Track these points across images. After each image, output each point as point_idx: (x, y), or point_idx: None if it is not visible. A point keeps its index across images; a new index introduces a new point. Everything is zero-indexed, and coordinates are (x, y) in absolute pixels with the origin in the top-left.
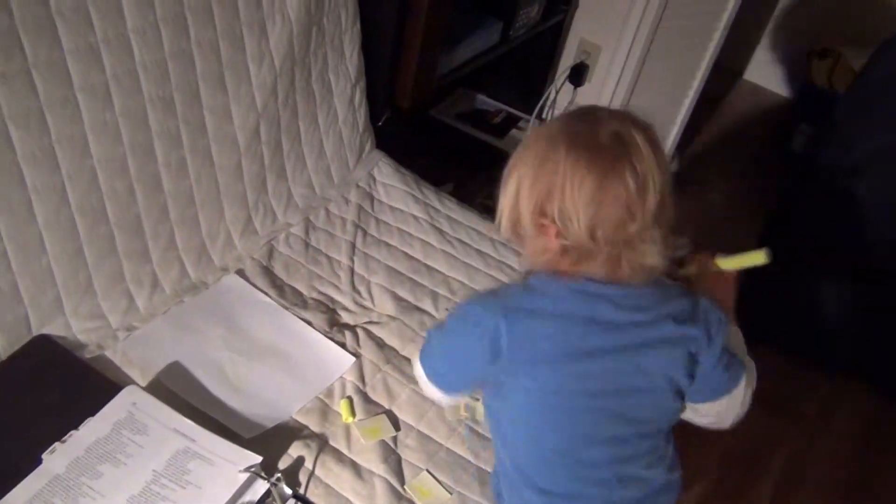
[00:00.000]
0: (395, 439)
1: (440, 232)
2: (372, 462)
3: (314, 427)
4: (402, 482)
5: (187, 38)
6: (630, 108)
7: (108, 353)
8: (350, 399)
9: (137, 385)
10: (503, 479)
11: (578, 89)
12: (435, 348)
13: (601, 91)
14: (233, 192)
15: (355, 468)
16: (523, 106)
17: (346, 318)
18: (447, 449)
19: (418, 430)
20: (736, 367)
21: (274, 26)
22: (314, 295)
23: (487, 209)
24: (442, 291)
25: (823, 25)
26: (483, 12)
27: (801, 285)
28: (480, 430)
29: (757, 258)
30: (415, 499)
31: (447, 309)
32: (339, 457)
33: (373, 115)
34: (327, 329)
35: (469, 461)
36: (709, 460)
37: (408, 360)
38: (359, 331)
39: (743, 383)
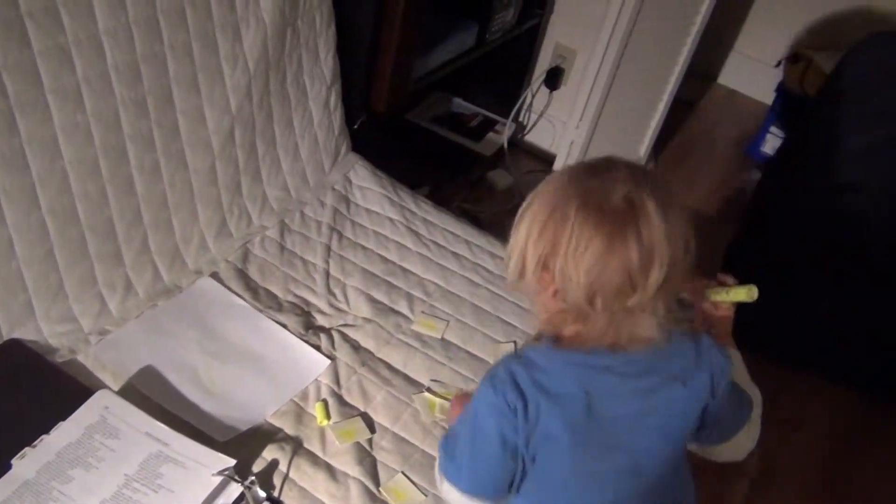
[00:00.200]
0: (370, 441)
1: (416, 234)
2: (347, 464)
3: (289, 430)
4: (378, 484)
5: (160, 40)
6: (648, 168)
7: (81, 358)
8: (325, 402)
9: (110, 389)
10: None
11: (554, 93)
12: (462, 462)
13: (576, 95)
14: (207, 195)
15: (330, 471)
16: (500, 109)
17: (321, 320)
18: (423, 451)
19: (394, 433)
20: (744, 403)
21: (248, 29)
22: (289, 298)
23: (464, 212)
24: (417, 294)
25: (795, 30)
26: (459, 16)
27: (774, 286)
28: None
29: (747, 294)
30: (390, 501)
31: (423, 311)
32: (314, 459)
33: (348, 119)
34: (302, 332)
35: None
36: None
37: (384, 361)
38: (334, 333)
39: (752, 416)
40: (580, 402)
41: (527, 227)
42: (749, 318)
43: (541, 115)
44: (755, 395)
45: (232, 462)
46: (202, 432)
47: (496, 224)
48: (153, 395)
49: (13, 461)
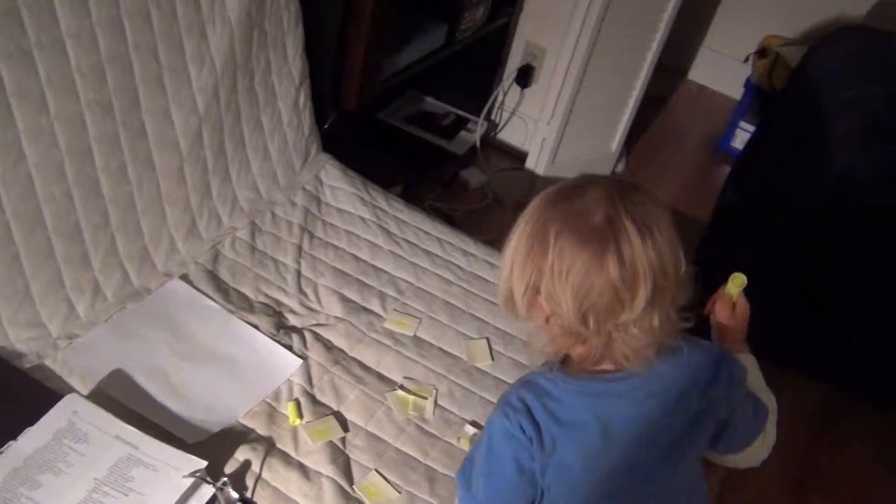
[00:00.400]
0: (343, 440)
1: (387, 233)
2: (320, 463)
3: (261, 430)
4: (351, 482)
5: (124, 41)
6: (628, 180)
7: (48, 363)
8: (297, 401)
9: (79, 393)
10: None
11: (525, 91)
12: (479, 490)
13: (547, 92)
14: (175, 197)
15: (303, 470)
16: (472, 108)
17: (292, 320)
18: (396, 448)
19: (367, 431)
20: (759, 412)
21: (214, 29)
22: (260, 298)
23: (437, 211)
24: (389, 292)
25: (764, 25)
26: (428, 15)
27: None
28: (429, 429)
29: (738, 281)
30: (364, 499)
31: (395, 309)
32: (287, 459)
33: (319, 118)
34: (274, 332)
35: (418, 460)
36: None
37: (356, 360)
38: (306, 333)
39: (768, 423)
40: (593, 431)
41: (511, 256)
42: None
43: (512, 113)
44: (770, 401)
45: (203, 464)
46: (173, 435)
47: (469, 222)
48: (123, 399)
49: None
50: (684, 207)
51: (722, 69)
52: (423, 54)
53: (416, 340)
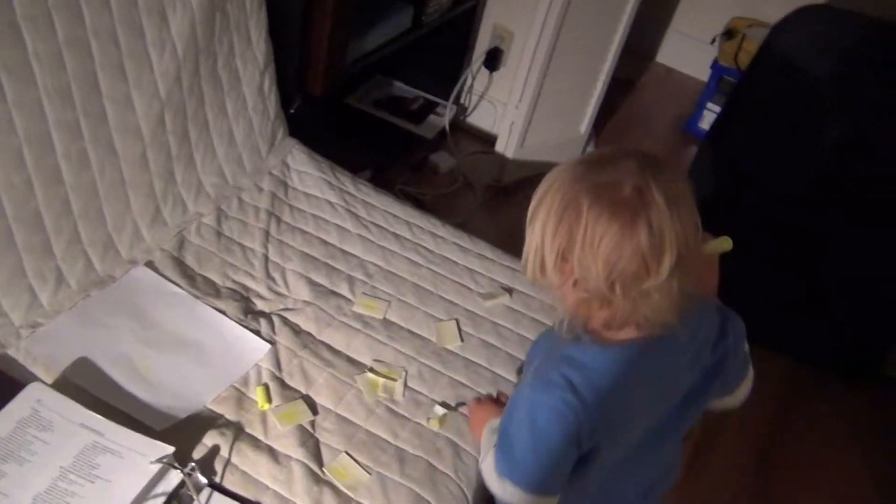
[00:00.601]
0: (312, 423)
1: (356, 216)
2: (289, 447)
3: (229, 415)
4: (321, 465)
5: (82, 25)
6: (653, 155)
7: (11, 352)
8: (266, 386)
9: (43, 382)
10: None
11: (494, 74)
12: (528, 468)
13: (515, 75)
14: (139, 183)
15: (272, 454)
16: (440, 91)
17: (260, 305)
18: (366, 430)
19: (336, 413)
20: (748, 357)
21: (175, 13)
22: (227, 284)
23: (407, 195)
24: (358, 275)
25: (730, 7)
26: None
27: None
28: (399, 411)
29: (724, 244)
30: (334, 481)
31: (364, 293)
32: (256, 443)
33: (284, 103)
34: (241, 317)
35: (389, 442)
36: None
37: (325, 343)
38: (274, 318)
39: (750, 363)
40: (630, 393)
41: (541, 225)
42: None
43: (481, 97)
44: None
45: (170, 449)
46: (140, 422)
47: (439, 206)
48: (88, 387)
49: None
50: None
51: (689, 51)
52: (390, 38)
53: (386, 323)
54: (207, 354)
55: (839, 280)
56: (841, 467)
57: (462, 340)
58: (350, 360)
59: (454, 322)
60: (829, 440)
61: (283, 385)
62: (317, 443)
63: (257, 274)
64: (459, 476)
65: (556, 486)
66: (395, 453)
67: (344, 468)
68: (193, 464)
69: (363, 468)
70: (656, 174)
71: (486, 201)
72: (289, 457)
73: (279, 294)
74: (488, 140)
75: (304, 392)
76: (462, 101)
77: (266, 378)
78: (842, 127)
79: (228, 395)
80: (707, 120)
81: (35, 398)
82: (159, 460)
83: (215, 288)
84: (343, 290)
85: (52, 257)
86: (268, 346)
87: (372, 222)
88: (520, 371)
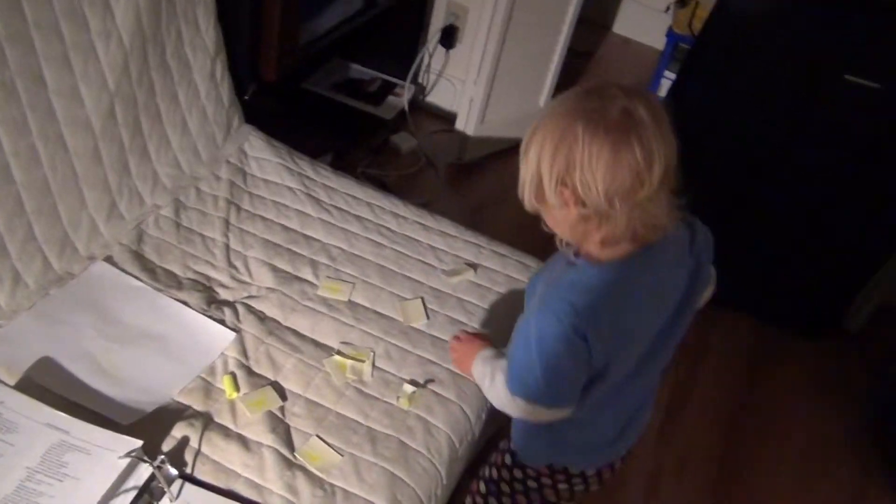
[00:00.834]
0: (282, 409)
1: (316, 201)
2: (259, 434)
3: (197, 406)
4: (292, 450)
5: (23, 19)
6: (638, 85)
7: None
8: (233, 375)
9: (4, 384)
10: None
11: (450, 52)
12: (540, 387)
13: (471, 51)
14: (92, 178)
15: (243, 442)
16: (398, 72)
17: (223, 294)
18: (336, 413)
19: (306, 398)
20: (711, 265)
21: (119, 2)
22: (189, 275)
23: (369, 177)
24: (321, 259)
25: None
26: None
27: None
28: (368, 391)
29: None
30: (306, 464)
31: (328, 276)
32: (226, 432)
33: (239, 90)
34: (205, 307)
35: (359, 422)
36: None
37: (291, 329)
38: (238, 306)
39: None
40: (632, 306)
41: (537, 153)
42: None
43: (439, 75)
44: None
45: (138, 443)
46: (107, 418)
47: (403, 187)
48: (52, 387)
49: None
50: None
51: (645, 20)
52: (343, 19)
53: (351, 305)
54: (172, 346)
55: (796, 240)
56: (809, 420)
57: (428, 318)
58: (317, 344)
59: (420, 300)
60: (796, 395)
61: (250, 373)
62: (287, 428)
63: (219, 263)
64: (431, 452)
65: (567, 400)
66: (367, 433)
67: (315, 451)
68: (163, 456)
69: (335, 450)
70: (639, 97)
71: (450, 179)
72: (259, 443)
73: (242, 282)
74: (448, 118)
75: (272, 379)
76: (420, 80)
77: (233, 367)
78: (792, 87)
79: (195, 386)
80: (665, 88)
81: None
82: (128, 454)
83: (177, 280)
84: (307, 274)
85: (8, 257)
86: (233, 334)
87: (333, 205)
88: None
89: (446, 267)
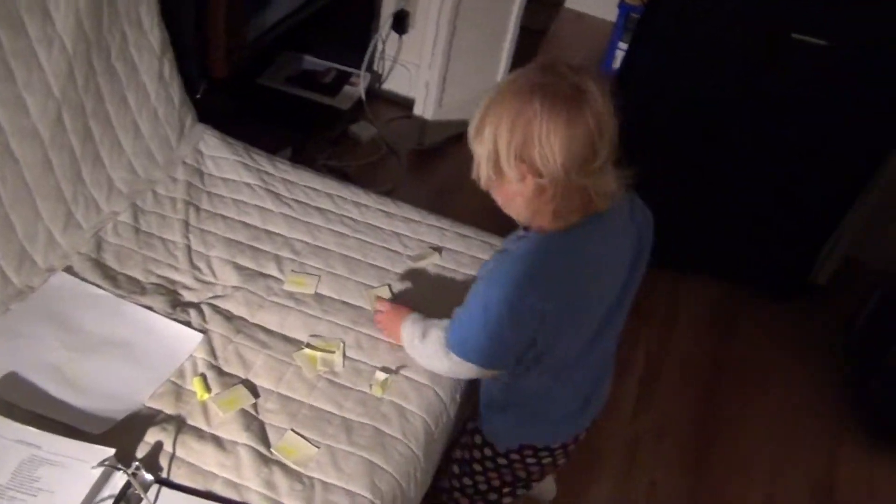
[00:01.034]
0: (255, 406)
1: (276, 195)
2: (234, 432)
3: (169, 410)
4: (268, 446)
5: None
6: (583, 62)
7: None
8: (203, 376)
9: None
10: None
11: (403, 37)
12: (477, 337)
13: (424, 35)
14: (45, 189)
15: (217, 442)
16: (352, 61)
17: (188, 296)
18: (310, 405)
19: (278, 393)
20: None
21: (58, 8)
22: (152, 279)
23: (331, 169)
24: (285, 254)
25: None
26: None
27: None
28: (341, 382)
29: None
30: (283, 459)
31: (293, 270)
32: (200, 434)
33: (189, 89)
34: (170, 310)
35: (334, 413)
36: None
37: (259, 326)
38: (203, 307)
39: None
40: (582, 277)
41: (493, 130)
42: None
43: (394, 61)
44: None
45: (111, 451)
46: (78, 429)
47: (365, 176)
48: (19, 402)
49: None
50: None
51: None
52: (290, 10)
53: (318, 297)
54: (138, 352)
55: (756, 202)
56: (784, 377)
57: None
58: (286, 339)
59: (386, 287)
60: (770, 353)
61: (220, 373)
62: (261, 425)
63: (181, 265)
64: (408, 437)
65: (501, 364)
66: (342, 424)
67: (291, 445)
68: (137, 463)
69: (311, 443)
70: (586, 73)
71: (412, 165)
72: (234, 442)
73: (206, 282)
74: (406, 104)
75: (243, 377)
76: (375, 68)
77: (202, 368)
78: (742, 50)
79: (166, 390)
80: (619, 59)
81: None
82: (101, 464)
83: (139, 285)
84: (271, 270)
85: None
86: (199, 335)
87: (293, 199)
88: None
89: (411, 252)
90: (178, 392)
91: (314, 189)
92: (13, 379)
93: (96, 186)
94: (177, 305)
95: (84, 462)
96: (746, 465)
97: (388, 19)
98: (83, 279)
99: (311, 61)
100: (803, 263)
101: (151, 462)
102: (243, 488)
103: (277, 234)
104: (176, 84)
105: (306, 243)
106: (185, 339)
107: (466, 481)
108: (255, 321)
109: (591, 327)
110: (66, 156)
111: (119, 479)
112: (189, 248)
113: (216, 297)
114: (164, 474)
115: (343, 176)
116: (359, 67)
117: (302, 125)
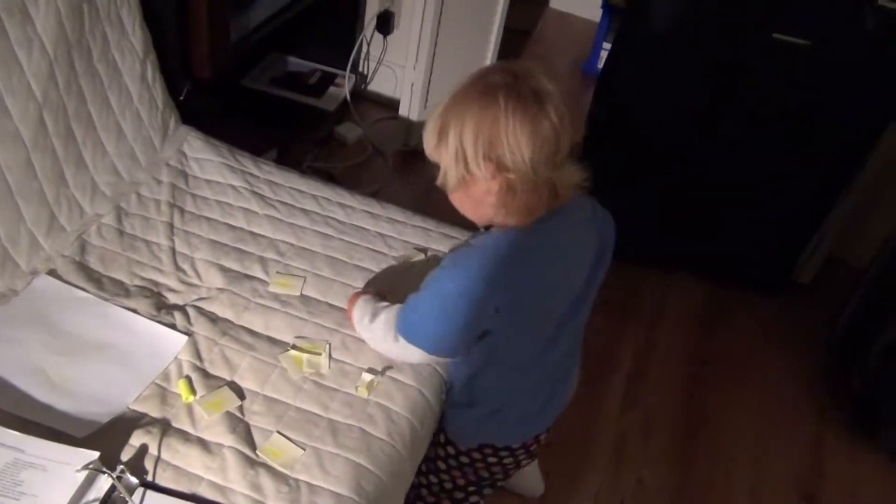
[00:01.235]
0: (241, 408)
1: (261, 197)
2: (219, 435)
3: (154, 413)
4: (254, 448)
5: None
6: (540, 63)
7: None
8: (188, 378)
9: None
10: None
11: (388, 38)
12: (427, 324)
13: (409, 36)
14: (28, 192)
15: (203, 444)
16: (337, 62)
17: (173, 298)
18: (296, 407)
19: (264, 395)
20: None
21: (38, 9)
22: (136, 282)
23: (316, 171)
24: (270, 255)
25: None
26: None
27: (619, 194)
28: (327, 383)
29: None
30: (269, 461)
31: (278, 272)
32: (185, 437)
33: (173, 90)
34: (154, 313)
35: (320, 415)
36: None
37: (244, 328)
38: (188, 309)
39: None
40: (544, 269)
41: (457, 134)
42: None
43: (379, 62)
44: None
45: (95, 455)
46: (61, 432)
47: (351, 177)
48: (2, 405)
49: None
50: None
51: None
52: (274, 11)
53: (304, 299)
54: (123, 355)
55: (740, 201)
56: (768, 373)
57: None
58: (272, 341)
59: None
60: (754, 350)
61: (206, 375)
62: (247, 427)
63: (166, 268)
64: (394, 438)
65: (448, 352)
66: (328, 426)
67: (277, 447)
68: (122, 466)
69: (297, 445)
70: (542, 72)
71: (398, 166)
72: (220, 445)
73: (191, 285)
74: (392, 105)
75: (228, 379)
76: (360, 69)
77: (187, 370)
78: (724, 50)
79: (150, 392)
80: (604, 59)
81: None
82: (85, 467)
83: (124, 287)
84: (256, 272)
85: None
86: (184, 338)
87: (279, 201)
88: None
89: (396, 253)
90: (164, 395)
91: (299, 191)
92: None
93: (80, 189)
94: (161, 308)
95: (68, 465)
96: (731, 460)
97: (373, 20)
98: (67, 282)
99: (296, 62)
100: (787, 261)
101: (136, 465)
102: (229, 491)
103: (262, 236)
104: (159, 86)
105: (291, 245)
106: (169, 342)
107: (432, 479)
108: (241, 323)
109: (551, 323)
110: (49, 158)
111: (104, 483)
112: (174, 250)
113: (201, 299)
114: (149, 477)
115: (329, 177)
116: (344, 68)
117: (287, 127)
